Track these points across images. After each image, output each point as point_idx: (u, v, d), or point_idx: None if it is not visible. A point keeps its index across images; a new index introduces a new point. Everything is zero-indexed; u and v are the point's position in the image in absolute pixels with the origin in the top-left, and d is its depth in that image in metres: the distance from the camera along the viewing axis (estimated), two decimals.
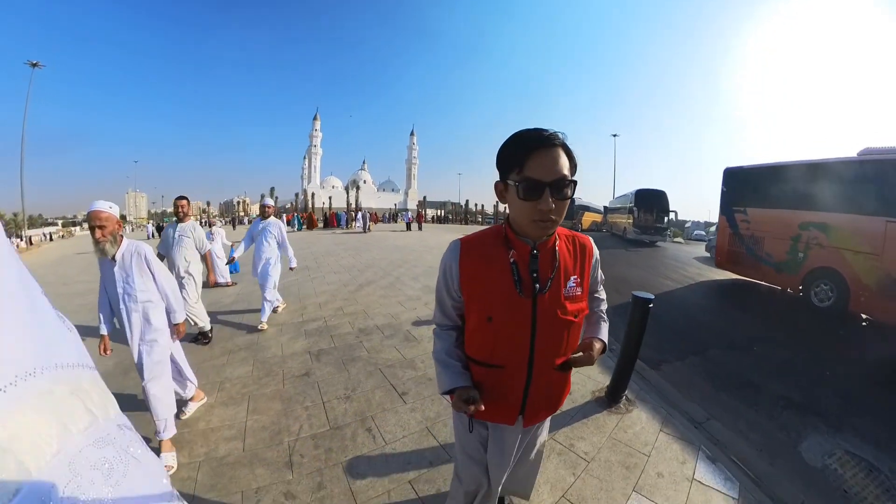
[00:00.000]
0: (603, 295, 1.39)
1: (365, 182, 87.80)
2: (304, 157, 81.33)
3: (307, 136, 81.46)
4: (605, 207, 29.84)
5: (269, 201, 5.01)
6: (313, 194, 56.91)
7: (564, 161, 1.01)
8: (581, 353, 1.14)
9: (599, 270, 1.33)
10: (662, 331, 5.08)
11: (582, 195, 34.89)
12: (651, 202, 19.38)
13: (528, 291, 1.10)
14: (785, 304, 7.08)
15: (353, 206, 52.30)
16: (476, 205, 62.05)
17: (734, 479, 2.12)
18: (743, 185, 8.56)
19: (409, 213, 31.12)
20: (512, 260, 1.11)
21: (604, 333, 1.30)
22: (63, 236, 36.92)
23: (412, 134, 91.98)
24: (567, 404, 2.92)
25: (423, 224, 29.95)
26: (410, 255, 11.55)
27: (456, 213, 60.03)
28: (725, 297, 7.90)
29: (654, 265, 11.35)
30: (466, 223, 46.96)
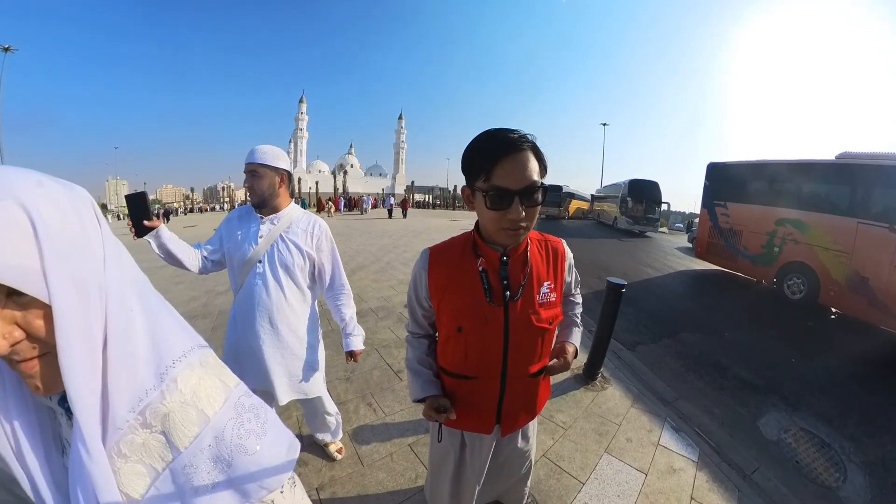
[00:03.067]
0: (578, 298, 1.38)
1: (352, 166, 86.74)
2: (290, 141, 79.65)
3: (293, 119, 79.79)
4: (592, 195, 30.13)
5: (270, 156, 1.70)
6: (300, 179, 56.09)
7: (534, 165, 0.96)
8: (556, 361, 1.12)
9: (575, 272, 1.31)
10: (640, 315, 5.47)
11: (569, 183, 35.00)
12: (644, 192, 19.55)
13: (499, 299, 1.08)
14: (758, 295, 7.57)
15: (341, 190, 51.95)
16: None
17: (695, 446, 2.45)
18: (725, 180, 8.96)
19: (392, 199, 26.90)
20: (481, 268, 1.09)
21: (576, 338, 1.27)
22: None
23: (400, 118, 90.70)
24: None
25: (409, 210, 27.10)
26: (400, 241, 11.73)
27: (444, 199, 59.88)
28: (702, 286, 8.37)
29: (637, 254, 11.84)
30: (454, 208, 46.94)
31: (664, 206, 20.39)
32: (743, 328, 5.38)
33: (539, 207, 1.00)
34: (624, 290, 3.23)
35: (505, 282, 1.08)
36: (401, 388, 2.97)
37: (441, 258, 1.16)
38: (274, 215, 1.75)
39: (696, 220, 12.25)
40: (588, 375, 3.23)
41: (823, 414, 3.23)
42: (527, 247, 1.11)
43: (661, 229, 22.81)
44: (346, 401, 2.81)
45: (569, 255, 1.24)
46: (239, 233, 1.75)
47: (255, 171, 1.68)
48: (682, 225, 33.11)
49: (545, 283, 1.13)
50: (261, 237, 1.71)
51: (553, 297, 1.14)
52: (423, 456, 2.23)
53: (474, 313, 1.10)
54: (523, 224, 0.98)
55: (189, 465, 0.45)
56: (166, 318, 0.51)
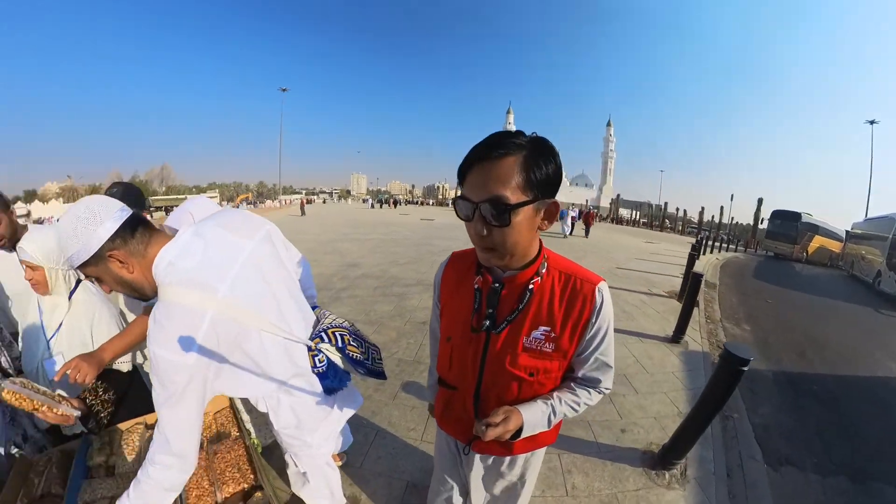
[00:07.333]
0: (599, 375, 1.03)
1: None
2: None
3: (502, 129, 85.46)
4: (847, 231, 18.42)
5: None
6: None
7: (508, 176, 0.79)
8: (483, 425, 0.91)
9: (605, 338, 0.98)
10: (828, 424, 3.57)
11: (813, 210, 21.44)
12: None
13: (481, 326, 0.99)
14: None
15: None
16: (678, 209, 50.02)
17: None
18: None
19: (573, 211, 19.48)
20: (476, 286, 1.01)
21: (533, 413, 0.97)
22: (309, 202, 47.31)
23: (609, 125, 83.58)
24: (606, 436, 2.74)
25: (594, 225, 20.32)
26: (571, 253, 11.09)
27: (651, 217, 50.42)
28: None
29: (892, 338, 6.82)
30: (662, 229, 38.63)
31: None
32: None
33: (511, 230, 0.83)
34: (746, 368, 2.17)
35: (491, 310, 0.97)
36: None
37: (456, 264, 1.12)
38: None
39: None
40: (662, 459, 2.48)
41: None
42: (531, 278, 0.94)
43: None
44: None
45: (600, 303, 0.94)
46: None
47: None
48: None
49: (542, 328, 0.95)
50: None
51: (548, 347, 0.96)
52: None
53: (460, 329, 1.04)
54: (488, 244, 0.87)
55: None
56: None
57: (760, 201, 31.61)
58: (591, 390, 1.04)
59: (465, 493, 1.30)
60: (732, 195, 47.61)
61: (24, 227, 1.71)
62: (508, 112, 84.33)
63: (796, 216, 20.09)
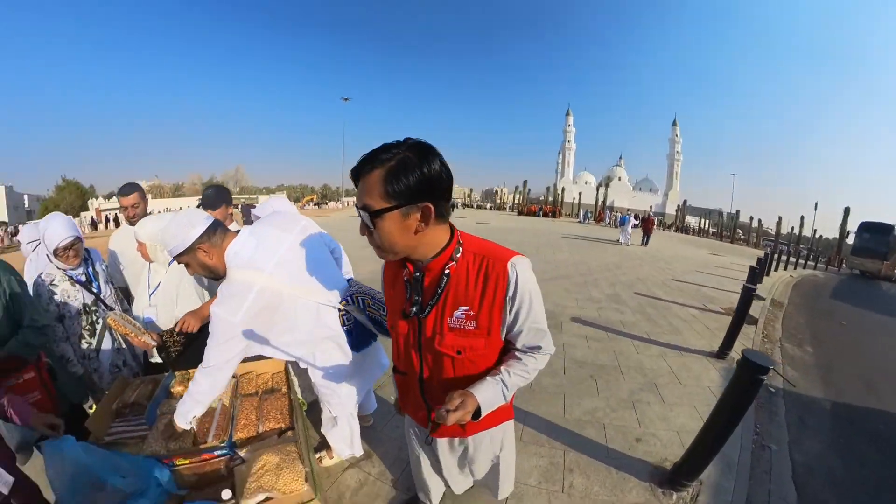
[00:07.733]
0: (537, 342, 1.09)
1: (619, 179, 79.75)
2: (559, 153, 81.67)
3: (561, 131, 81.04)
4: None
5: None
6: (563, 189, 56.94)
7: (375, 188, 0.90)
8: (442, 410, 0.93)
9: (532, 308, 1.04)
10: (893, 479, 2.88)
11: None
12: None
13: (411, 312, 1.09)
14: None
15: (602, 203, 49.93)
16: (751, 218, 43.47)
17: None
18: None
19: (630, 217, 17.54)
20: (406, 277, 1.09)
21: (485, 390, 1.01)
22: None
23: (674, 124, 74.44)
24: (619, 442, 2.65)
25: (654, 234, 18.42)
26: (624, 262, 10.79)
27: (721, 227, 45.23)
28: None
29: None
30: (732, 240, 34.10)
31: None
32: None
33: (383, 231, 0.94)
34: (766, 377, 1.96)
35: (417, 297, 1.07)
36: None
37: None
38: None
39: None
40: (673, 478, 2.27)
41: None
42: (446, 264, 1.02)
43: None
44: None
45: (514, 277, 1.00)
46: None
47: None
48: None
49: (461, 308, 1.03)
50: None
51: (470, 325, 1.03)
52: None
53: (398, 318, 1.15)
54: (372, 244, 0.99)
55: None
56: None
57: (847, 211, 27.08)
58: (536, 356, 1.11)
59: (441, 471, 1.41)
60: (816, 203, 39.90)
61: (149, 214, 2.46)
62: (568, 114, 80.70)
63: (888, 229, 17.35)
